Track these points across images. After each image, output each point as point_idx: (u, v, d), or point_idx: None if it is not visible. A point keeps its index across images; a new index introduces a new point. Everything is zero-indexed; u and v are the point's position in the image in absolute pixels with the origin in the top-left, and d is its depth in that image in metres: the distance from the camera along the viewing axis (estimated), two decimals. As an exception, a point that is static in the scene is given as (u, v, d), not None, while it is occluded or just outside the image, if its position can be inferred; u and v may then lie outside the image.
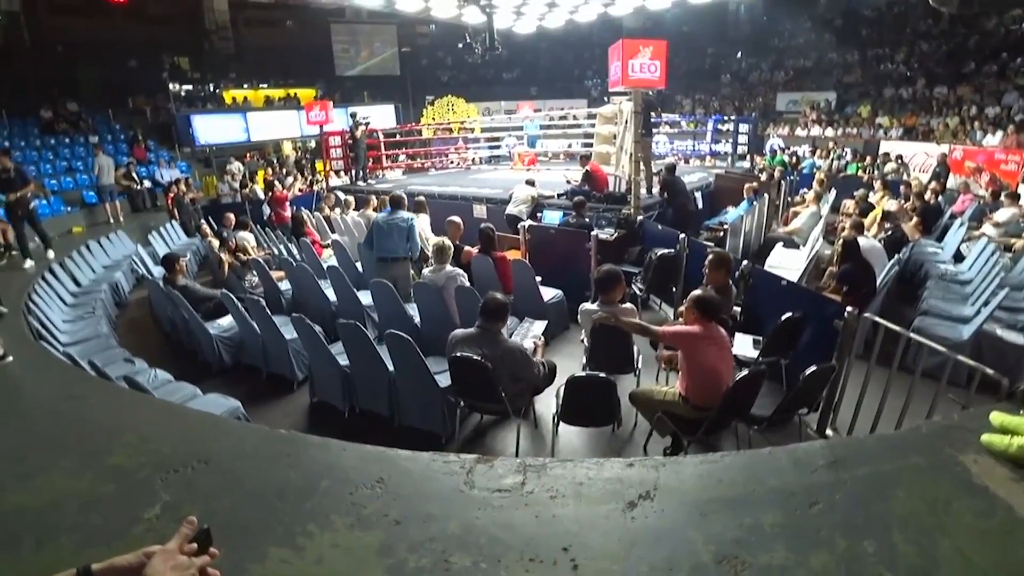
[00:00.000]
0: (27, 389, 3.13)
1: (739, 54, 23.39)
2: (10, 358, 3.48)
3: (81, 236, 9.37)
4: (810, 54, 21.01)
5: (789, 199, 10.01)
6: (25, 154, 12.21)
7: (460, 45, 12.34)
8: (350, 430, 3.90)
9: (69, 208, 10.99)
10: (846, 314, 3.25)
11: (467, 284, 4.93)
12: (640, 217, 6.86)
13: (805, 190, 9.37)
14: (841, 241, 5.24)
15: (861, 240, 5.25)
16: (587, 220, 6.73)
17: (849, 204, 9.39)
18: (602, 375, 3.02)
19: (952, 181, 10.72)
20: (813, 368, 2.86)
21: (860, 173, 13.25)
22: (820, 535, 1.69)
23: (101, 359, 4.23)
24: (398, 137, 14.90)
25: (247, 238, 7.40)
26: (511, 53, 20.30)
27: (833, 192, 9.29)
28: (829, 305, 3.65)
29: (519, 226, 6.67)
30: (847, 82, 19.06)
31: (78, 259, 7.63)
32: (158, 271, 6.94)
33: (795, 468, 2.00)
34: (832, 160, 14.65)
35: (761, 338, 3.89)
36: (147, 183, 12.60)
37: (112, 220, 10.85)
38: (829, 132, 16.84)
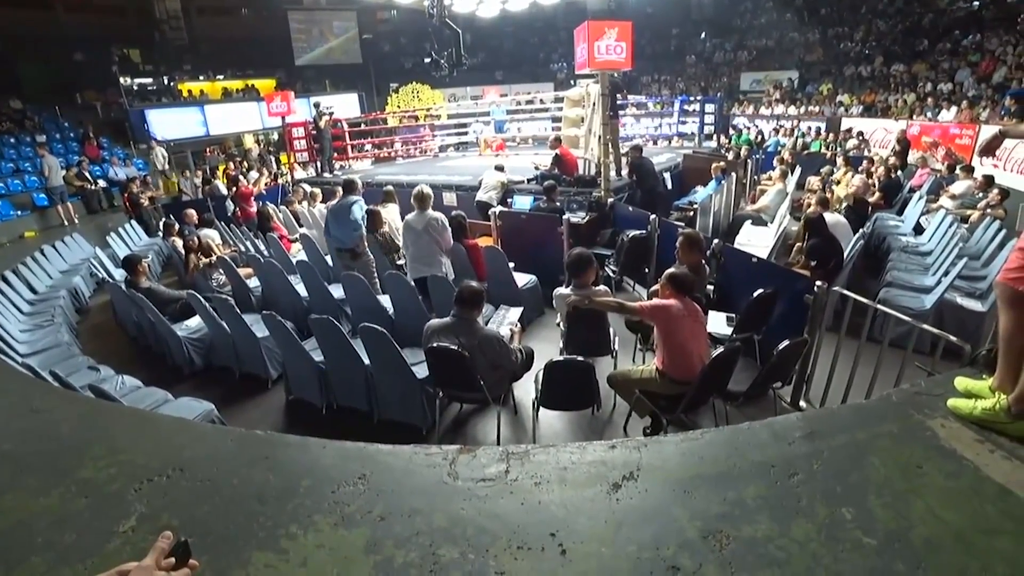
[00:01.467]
0: (-16, 404, 2.99)
1: (703, 35, 23.57)
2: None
3: (34, 241, 8.98)
4: (772, 34, 21.32)
5: (755, 177, 10.17)
6: (-33, 155, 11.62)
7: (426, 60, 12.10)
8: (328, 427, 3.85)
9: (19, 212, 10.49)
10: (816, 288, 3.32)
11: (447, 226, 4.99)
12: (611, 199, 6.88)
13: (776, 163, 9.52)
14: (806, 217, 5.35)
15: (827, 215, 5.37)
16: (558, 204, 6.73)
17: (813, 181, 9.61)
18: (580, 359, 3.03)
19: (910, 156, 11.05)
20: (786, 343, 2.92)
21: (823, 150, 13.56)
22: (800, 505, 1.73)
23: (64, 368, 4.07)
24: (363, 126, 14.61)
25: (212, 235, 7.17)
26: (475, 38, 20.03)
27: (798, 169, 9.49)
28: (799, 280, 3.72)
29: (490, 212, 6.63)
30: (808, 61, 19.42)
31: (32, 265, 7.30)
32: (119, 274, 6.69)
33: (774, 441, 2.05)
34: (796, 138, 14.94)
35: (734, 315, 3.96)
36: (101, 182, 12.09)
37: (66, 222, 10.42)
38: (792, 111, 17.16)
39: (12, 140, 12.88)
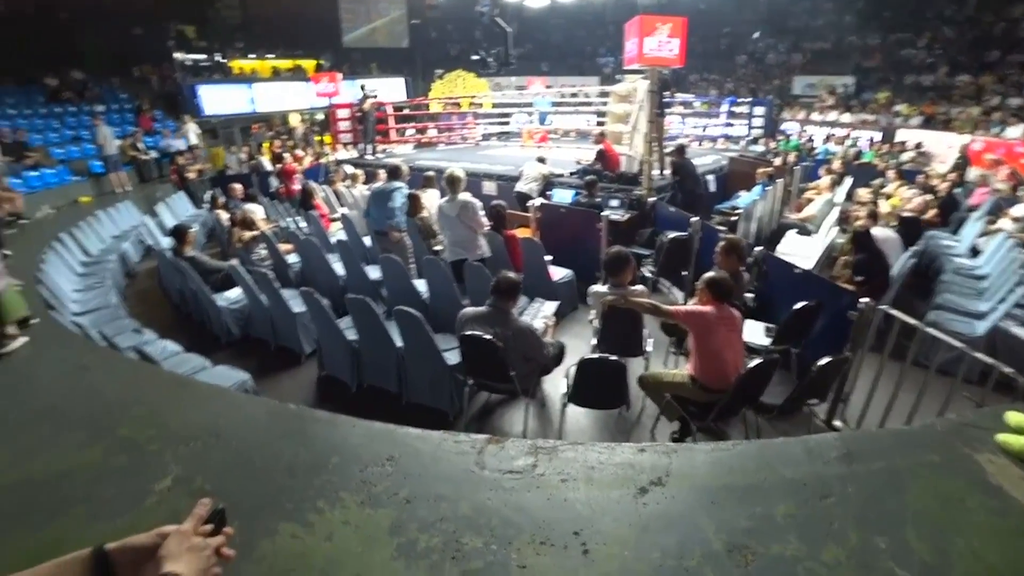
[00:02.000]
0: (38, 359, 3.14)
1: (756, 34, 22.87)
2: (36, 319, 3.53)
3: (89, 206, 9.36)
4: (829, 36, 20.51)
5: (802, 185, 9.85)
6: (31, 122, 12.12)
7: (473, 58, 12.21)
8: (357, 405, 3.91)
9: (76, 177, 10.93)
10: (861, 305, 3.20)
11: (478, 209, 5.01)
12: (652, 199, 6.77)
13: (824, 171, 9.19)
14: (854, 230, 5.16)
15: (877, 230, 5.17)
16: (598, 200, 6.66)
17: (863, 193, 9.25)
18: (613, 358, 3.00)
19: (970, 173, 10.53)
20: (827, 359, 2.83)
21: (876, 161, 13.03)
22: (832, 528, 1.68)
23: (111, 329, 4.26)
24: (407, 111, 14.72)
25: (256, 210, 7.35)
26: (522, 28, 19.91)
27: (849, 180, 9.15)
28: (843, 295, 3.60)
29: (528, 204, 6.61)
30: (866, 67, 18.64)
31: (87, 229, 7.62)
32: (166, 242, 6.92)
33: (808, 459, 1.99)
34: (848, 147, 14.38)
35: (773, 326, 3.86)
36: (153, 153, 12.51)
37: (119, 190, 10.82)
38: (846, 118, 16.53)
39: (73, 109, 13.43)
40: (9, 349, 3.13)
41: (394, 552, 1.63)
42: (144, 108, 14.54)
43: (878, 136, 14.88)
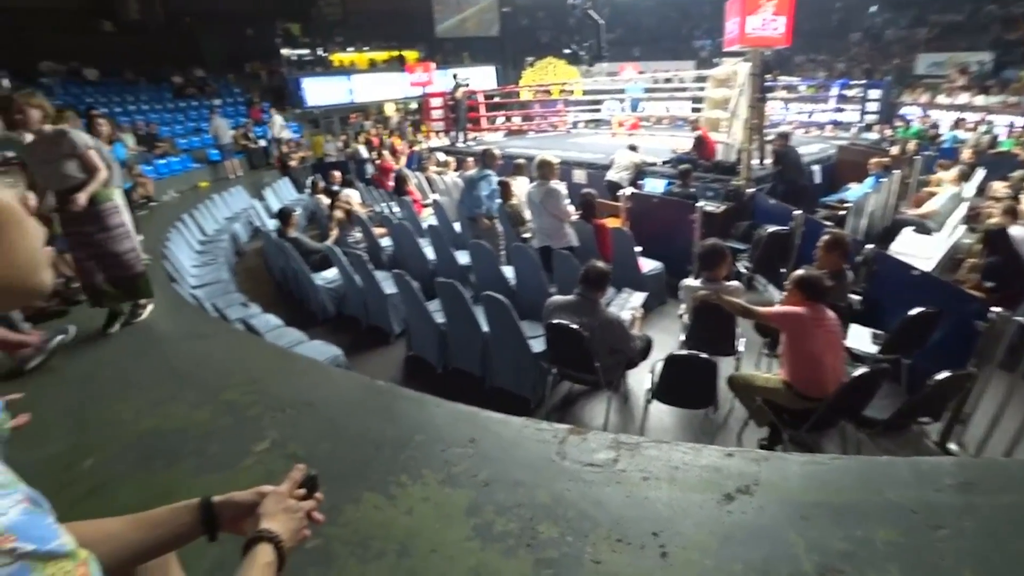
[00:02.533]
0: (161, 326, 3.51)
1: (873, 8, 20.69)
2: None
3: (206, 190, 10.30)
4: (963, 7, 18.08)
5: (923, 177, 8.88)
6: (160, 116, 13.55)
7: (566, 52, 12.16)
8: (442, 386, 4.03)
9: (196, 165, 12.09)
10: (992, 315, 2.84)
11: (561, 197, 4.99)
12: (751, 190, 6.39)
13: (938, 166, 8.22)
14: (987, 229, 4.58)
15: (1015, 229, 4.55)
16: (692, 190, 6.39)
17: (999, 187, 8.18)
18: (703, 355, 2.86)
19: None
20: (946, 373, 2.52)
21: (1017, 150, 11.45)
22: (943, 563, 1.51)
23: (222, 302, 4.66)
24: (497, 99, 14.83)
25: (352, 195, 7.74)
26: (613, 12, 19.34)
27: (981, 172, 8.12)
28: (970, 302, 3.21)
29: (619, 193, 6.46)
30: (1008, 40, 16.27)
31: (204, 210, 8.38)
32: (272, 224, 7.45)
33: (917, 483, 1.80)
34: (981, 134, 12.72)
35: (882, 332, 3.52)
36: (262, 142, 13.52)
37: (232, 176, 11.83)
38: (980, 100, 14.63)
39: (195, 103, 14.88)
40: (142, 317, 3.52)
41: (470, 532, 1.66)
42: (255, 101, 15.75)
43: (1021, 121, 13.06)
